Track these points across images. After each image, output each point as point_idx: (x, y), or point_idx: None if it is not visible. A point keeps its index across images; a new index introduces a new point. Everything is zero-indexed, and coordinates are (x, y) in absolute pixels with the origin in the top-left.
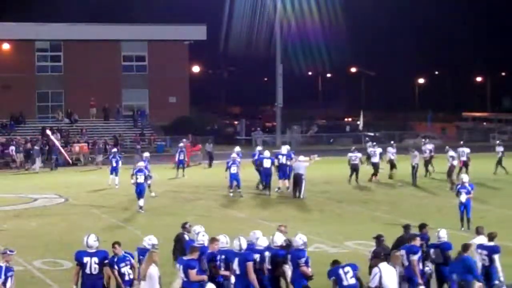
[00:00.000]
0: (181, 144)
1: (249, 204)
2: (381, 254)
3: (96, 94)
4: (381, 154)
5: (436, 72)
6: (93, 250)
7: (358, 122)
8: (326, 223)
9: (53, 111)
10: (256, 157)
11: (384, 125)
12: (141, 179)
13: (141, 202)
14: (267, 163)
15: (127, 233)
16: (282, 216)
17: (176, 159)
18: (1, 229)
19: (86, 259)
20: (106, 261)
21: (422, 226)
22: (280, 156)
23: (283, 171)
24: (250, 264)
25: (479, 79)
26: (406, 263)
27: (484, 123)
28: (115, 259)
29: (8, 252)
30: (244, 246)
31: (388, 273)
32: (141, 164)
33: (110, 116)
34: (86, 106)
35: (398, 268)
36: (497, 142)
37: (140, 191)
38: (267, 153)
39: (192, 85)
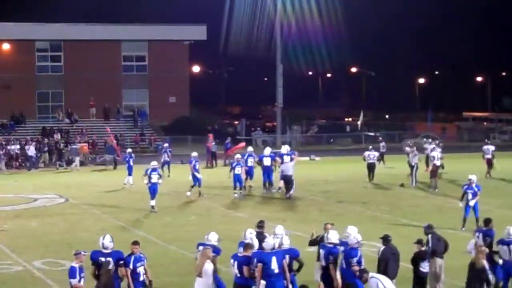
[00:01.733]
0: (165, 145)
1: (249, 204)
2: (387, 257)
3: (96, 94)
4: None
5: (437, 72)
6: (109, 251)
7: (359, 122)
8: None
9: (53, 111)
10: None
11: (384, 125)
12: (155, 178)
13: (153, 202)
14: (267, 161)
15: (128, 233)
16: (281, 216)
17: (162, 159)
18: (1, 229)
19: (101, 260)
20: (121, 261)
21: (487, 221)
22: (284, 157)
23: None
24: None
25: (479, 79)
26: (507, 258)
27: (485, 123)
28: (132, 258)
29: (82, 252)
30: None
31: (385, 278)
32: (154, 163)
33: (110, 116)
34: (86, 106)
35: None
36: None
37: (153, 190)
38: (267, 151)
39: (192, 85)
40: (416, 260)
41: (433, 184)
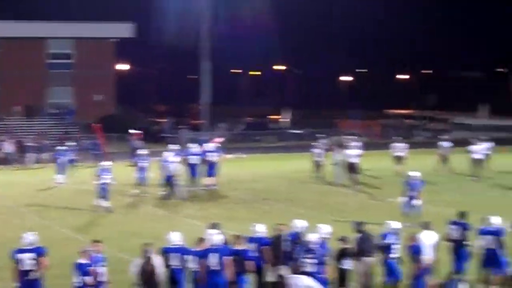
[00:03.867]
0: (69, 144)
1: (175, 202)
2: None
3: (21, 92)
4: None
5: (361, 70)
6: (29, 247)
7: (284, 120)
8: (253, 220)
9: None
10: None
11: (310, 123)
12: (106, 179)
13: (96, 201)
14: (193, 160)
15: (54, 232)
16: (207, 214)
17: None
18: None
19: (20, 256)
20: (42, 256)
21: (462, 214)
22: (208, 154)
23: (210, 168)
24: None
25: (403, 76)
26: (492, 247)
27: (408, 120)
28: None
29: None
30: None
31: (301, 276)
32: (106, 163)
33: (35, 114)
34: (11, 104)
35: None
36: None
37: (103, 190)
38: (194, 149)
39: (119, 83)
40: (339, 257)
41: (355, 181)
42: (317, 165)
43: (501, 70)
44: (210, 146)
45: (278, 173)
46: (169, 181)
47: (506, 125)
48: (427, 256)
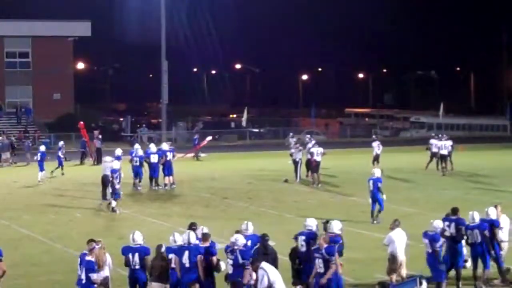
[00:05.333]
0: (61, 143)
1: (134, 200)
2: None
3: None
4: None
5: (320, 69)
6: None
7: (242, 119)
8: (211, 219)
9: None
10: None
11: (269, 121)
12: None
13: (113, 203)
14: (154, 159)
15: (11, 230)
16: (167, 213)
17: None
18: None
19: None
20: (1, 257)
21: (455, 210)
22: (168, 153)
23: (168, 167)
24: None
25: (361, 75)
26: (478, 240)
27: (366, 119)
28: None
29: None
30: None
31: (272, 270)
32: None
33: None
34: None
35: None
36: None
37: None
38: (153, 148)
39: (77, 82)
40: (293, 255)
41: (316, 180)
42: (296, 164)
43: (457, 69)
44: (165, 145)
45: (237, 171)
46: (105, 182)
47: (460, 123)
48: (399, 254)
